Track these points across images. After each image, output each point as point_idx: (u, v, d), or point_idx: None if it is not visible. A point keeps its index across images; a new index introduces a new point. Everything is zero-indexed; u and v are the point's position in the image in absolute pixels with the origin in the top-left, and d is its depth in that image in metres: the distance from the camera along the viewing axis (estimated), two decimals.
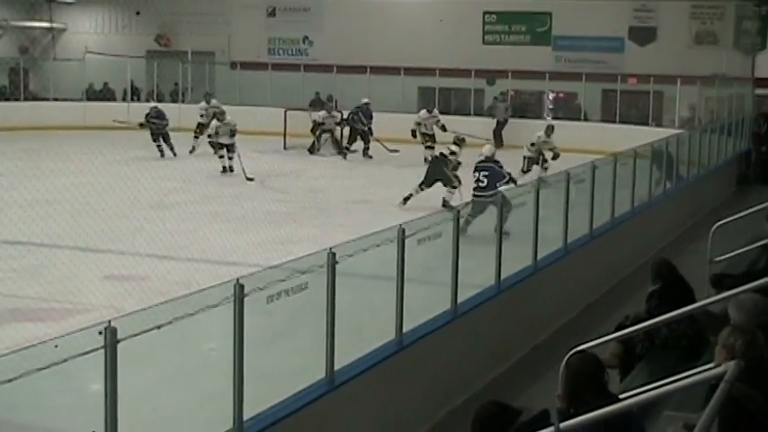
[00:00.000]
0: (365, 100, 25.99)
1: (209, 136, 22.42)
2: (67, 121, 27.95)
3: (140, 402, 6.64)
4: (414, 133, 24.35)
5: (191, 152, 24.66)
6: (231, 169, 21.53)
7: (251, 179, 20.36)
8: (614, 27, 29.61)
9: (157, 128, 24.24)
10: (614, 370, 7.00)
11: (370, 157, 25.04)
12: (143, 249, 12.80)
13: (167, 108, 28.32)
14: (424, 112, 24.84)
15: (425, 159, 22.09)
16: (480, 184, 14.82)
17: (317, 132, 25.46)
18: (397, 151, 24.65)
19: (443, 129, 23.77)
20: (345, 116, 25.75)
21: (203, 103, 25.90)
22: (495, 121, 28.01)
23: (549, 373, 7.79)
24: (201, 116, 25.20)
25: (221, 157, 21.83)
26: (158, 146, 24.18)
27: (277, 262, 6.83)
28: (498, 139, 25.38)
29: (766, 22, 28.53)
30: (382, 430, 7.51)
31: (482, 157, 15.38)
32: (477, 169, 15.18)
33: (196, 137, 25.06)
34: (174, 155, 24.11)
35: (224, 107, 23.96)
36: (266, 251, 11.77)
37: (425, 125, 24.24)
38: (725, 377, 3.82)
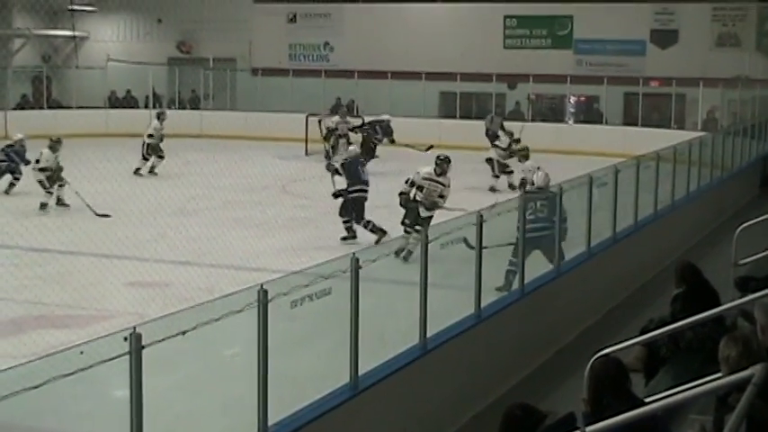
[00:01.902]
0: (386, 117, 24.54)
1: (37, 161, 17.94)
2: (90, 128, 28.12)
3: (164, 408, 6.65)
4: None
5: (150, 171, 21.93)
6: (60, 201, 17.43)
7: (106, 215, 16.18)
8: (635, 30, 29.56)
9: (9, 163, 19.04)
10: (639, 373, 6.98)
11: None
12: (166, 256, 12.85)
13: (188, 115, 28.56)
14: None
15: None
16: (539, 214, 11.23)
17: (332, 138, 25.02)
18: (431, 147, 23.92)
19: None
20: (363, 122, 24.85)
21: (155, 122, 22.66)
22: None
23: (573, 378, 7.76)
24: (150, 136, 22.20)
25: (49, 192, 17.45)
26: None
27: (299, 267, 6.83)
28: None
29: None
30: None
31: (535, 187, 12.60)
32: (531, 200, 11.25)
33: (154, 156, 22.26)
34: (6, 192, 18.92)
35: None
36: (289, 257, 11.81)
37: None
38: (752, 380, 3.79)
